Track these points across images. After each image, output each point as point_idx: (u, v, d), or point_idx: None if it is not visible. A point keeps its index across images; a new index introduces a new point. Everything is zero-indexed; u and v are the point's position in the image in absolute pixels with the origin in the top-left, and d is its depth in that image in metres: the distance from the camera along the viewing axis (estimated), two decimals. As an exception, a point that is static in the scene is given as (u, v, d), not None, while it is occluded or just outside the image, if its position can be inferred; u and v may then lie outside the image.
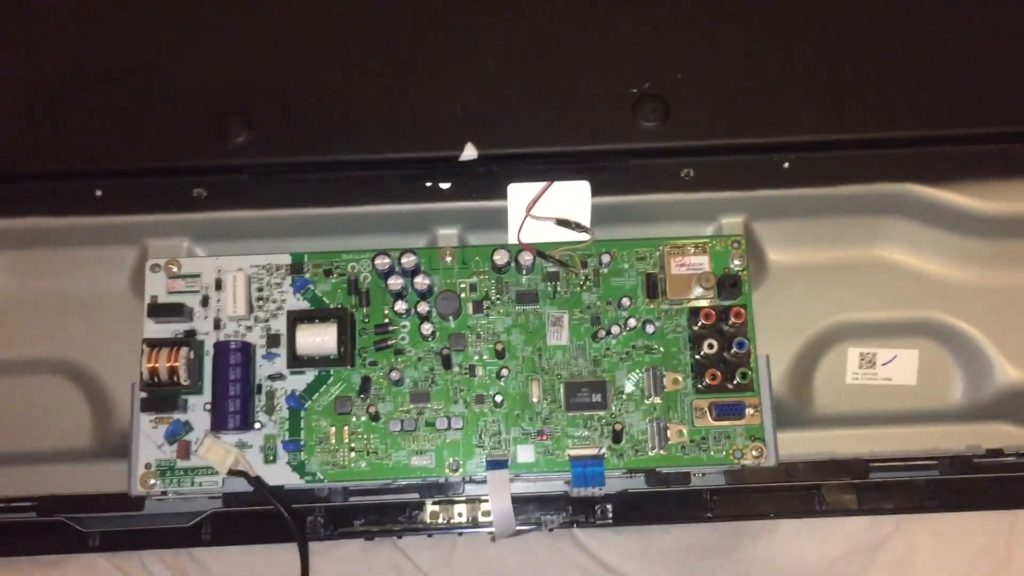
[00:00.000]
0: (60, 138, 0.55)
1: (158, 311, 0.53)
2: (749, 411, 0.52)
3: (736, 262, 0.54)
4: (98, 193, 0.54)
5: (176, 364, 0.51)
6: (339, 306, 0.53)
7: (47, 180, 0.54)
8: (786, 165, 0.55)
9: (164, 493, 0.51)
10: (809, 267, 0.56)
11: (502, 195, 0.54)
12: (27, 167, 0.54)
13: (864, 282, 0.56)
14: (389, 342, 0.53)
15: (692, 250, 0.54)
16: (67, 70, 0.55)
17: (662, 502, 0.55)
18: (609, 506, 0.55)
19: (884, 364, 0.56)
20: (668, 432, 0.52)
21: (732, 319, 0.53)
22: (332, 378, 0.52)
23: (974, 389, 0.56)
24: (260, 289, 0.53)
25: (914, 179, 0.55)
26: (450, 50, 0.56)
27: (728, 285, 0.53)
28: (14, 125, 0.55)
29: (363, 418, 0.52)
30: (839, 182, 0.55)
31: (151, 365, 0.51)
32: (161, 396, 0.52)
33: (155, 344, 0.52)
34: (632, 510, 0.56)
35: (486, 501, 0.54)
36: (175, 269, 0.53)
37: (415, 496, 0.54)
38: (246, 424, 0.51)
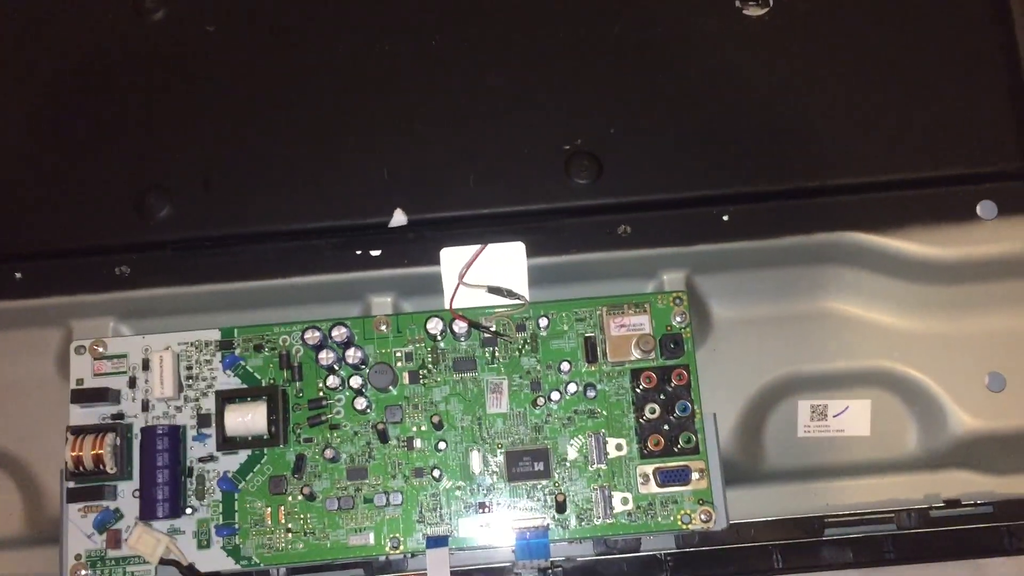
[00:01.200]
0: None
1: (83, 396, 0.51)
2: (695, 475, 0.50)
3: (678, 319, 0.52)
4: (17, 275, 0.53)
5: (101, 452, 0.49)
6: (271, 382, 0.51)
7: None
8: (725, 218, 0.53)
9: (95, 585, 0.50)
10: (754, 320, 0.55)
11: (435, 260, 0.52)
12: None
13: (811, 333, 0.54)
14: (323, 418, 0.51)
15: (631, 310, 0.52)
16: None
17: (615, 567, 0.53)
18: (561, 571, 0.54)
19: (836, 416, 0.54)
20: (613, 500, 0.50)
21: (674, 381, 0.51)
22: (265, 458, 0.51)
23: (929, 437, 0.54)
24: (189, 367, 0.52)
25: (855, 227, 0.53)
26: (375, 114, 0.54)
27: (670, 345, 0.51)
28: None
29: (299, 497, 0.50)
30: (780, 233, 0.53)
31: (75, 453, 0.49)
32: (88, 484, 0.50)
33: (79, 431, 0.50)
34: (586, 574, 0.54)
35: (431, 576, 0.53)
36: (101, 350, 0.52)
37: (359, 572, 0.53)
38: (176, 511, 0.49)
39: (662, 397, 0.51)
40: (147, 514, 0.49)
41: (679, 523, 0.50)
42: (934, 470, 0.54)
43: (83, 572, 0.50)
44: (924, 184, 0.53)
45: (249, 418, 0.50)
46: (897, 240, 0.53)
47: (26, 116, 0.54)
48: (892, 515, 0.53)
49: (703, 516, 0.50)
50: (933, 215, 0.53)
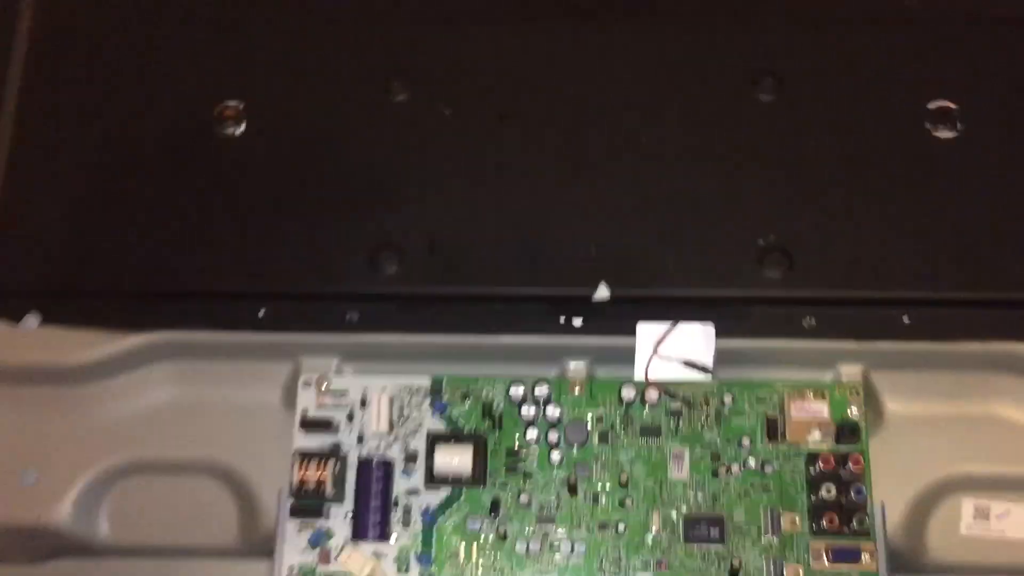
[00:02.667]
0: (232, 260, 0.60)
1: (309, 424, 0.57)
2: (865, 556, 0.54)
3: (854, 410, 0.56)
4: (261, 313, 0.59)
5: (323, 476, 0.55)
6: (474, 430, 0.57)
7: (216, 298, 0.60)
8: (905, 319, 0.57)
9: (303, 596, 0.56)
10: (925, 418, 0.58)
11: (631, 333, 0.57)
12: (200, 286, 0.60)
13: (979, 436, 0.57)
14: (518, 466, 0.56)
15: (812, 395, 0.56)
16: (243, 201, 0.61)
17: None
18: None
19: (998, 517, 0.57)
20: (785, 571, 0.54)
21: (850, 465, 0.55)
22: (464, 497, 0.56)
23: None
24: (401, 408, 0.58)
25: None
26: (587, 195, 0.60)
27: (847, 432, 0.55)
28: (189, 246, 0.61)
29: (491, 537, 0.55)
30: (957, 338, 0.57)
31: (301, 475, 0.55)
32: (307, 504, 0.56)
33: (306, 455, 0.56)
34: (747, 644, 0.57)
35: (604, 626, 0.57)
36: (325, 386, 0.58)
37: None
38: (384, 535, 0.55)
39: (837, 480, 0.55)
40: (358, 535, 0.55)
41: (846, 601, 0.54)
42: (1092, 579, 0.56)
43: (294, 583, 0.55)
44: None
45: (458, 459, 0.55)
46: (1069, 354, 0.56)
47: (282, 176, 0.62)
48: (1051, 618, 0.55)
49: (870, 596, 0.54)
50: (1102, 334, 0.56)
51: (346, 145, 0.62)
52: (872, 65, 0.62)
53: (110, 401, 0.61)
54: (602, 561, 0.55)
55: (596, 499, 0.56)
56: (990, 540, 0.57)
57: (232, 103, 0.64)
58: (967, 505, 0.57)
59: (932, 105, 0.61)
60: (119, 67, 0.65)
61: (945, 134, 0.60)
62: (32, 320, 0.60)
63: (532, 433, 0.57)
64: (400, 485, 0.56)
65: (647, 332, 0.58)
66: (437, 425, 0.57)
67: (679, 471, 0.56)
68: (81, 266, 0.61)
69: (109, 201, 0.62)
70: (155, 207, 0.62)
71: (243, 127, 0.63)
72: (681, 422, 0.57)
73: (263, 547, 0.58)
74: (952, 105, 0.60)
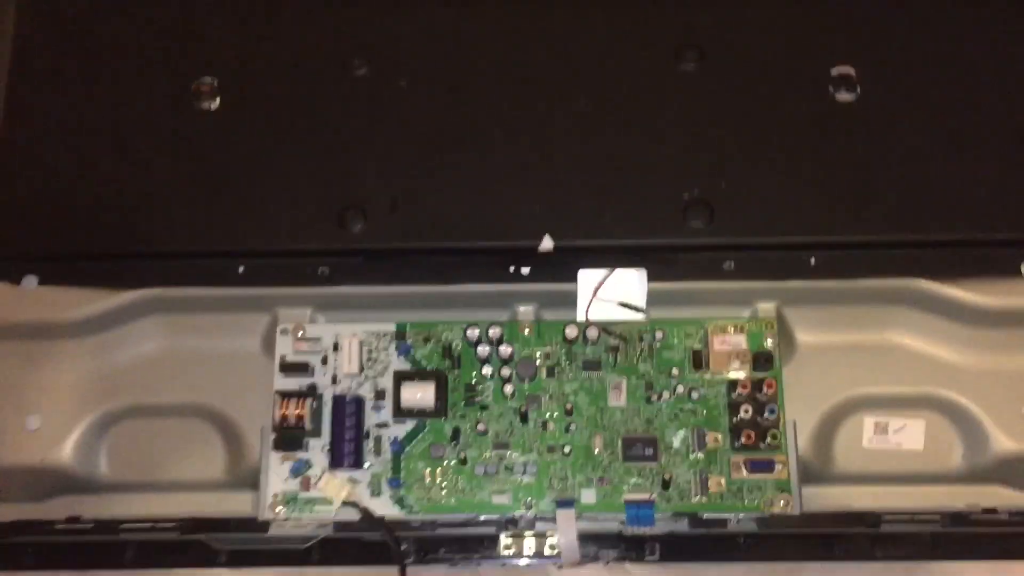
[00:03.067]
0: (212, 223, 0.66)
1: (288, 368, 0.63)
2: (778, 467, 0.61)
3: (769, 341, 0.63)
4: (240, 269, 0.65)
5: (302, 412, 0.62)
6: (436, 368, 0.64)
7: (199, 257, 0.65)
8: (812, 261, 0.64)
9: (287, 519, 0.62)
10: (831, 347, 0.65)
11: (573, 279, 0.64)
12: (184, 246, 0.65)
13: (878, 362, 0.65)
14: (476, 399, 0.63)
15: (732, 330, 0.64)
16: (221, 169, 0.67)
17: (703, 543, 0.64)
18: (657, 545, 0.64)
19: (895, 432, 0.65)
20: (709, 483, 0.61)
21: (765, 389, 0.62)
22: (428, 428, 0.63)
23: (973, 456, 0.64)
24: (370, 352, 0.64)
25: (921, 275, 0.64)
26: (531, 157, 0.67)
27: (762, 360, 0.63)
28: (173, 210, 0.66)
29: (453, 462, 0.62)
30: (857, 276, 0.64)
31: (282, 412, 0.62)
32: (288, 438, 0.62)
33: (285, 395, 0.62)
34: (677, 549, 0.64)
35: (552, 536, 0.64)
36: (301, 333, 0.64)
37: (492, 530, 0.64)
38: (358, 463, 0.61)
39: (754, 402, 0.62)
40: (335, 464, 0.61)
41: (762, 506, 0.61)
42: (976, 484, 0.64)
43: (279, 508, 0.61)
44: (979, 244, 0.64)
45: (421, 394, 0.62)
46: (954, 288, 0.63)
47: (256, 145, 0.67)
48: (938, 517, 0.62)
49: (782, 502, 0.61)
50: (984, 270, 0.64)
51: (313, 116, 0.68)
52: (782, 36, 0.69)
53: (105, 352, 0.66)
54: (551, 480, 0.62)
55: (545, 426, 0.63)
56: (888, 451, 0.65)
57: (207, 80, 0.68)
58: (868, 422, 0.65)
59: (834, 71, 0.67)
60: (105, 48, 0.70)
61: (845, 97, 0.67)
62: (31, 281, 0.65)
63: (487, 370, 0.63)
64: (371, 419, 0.62)
65: (587, 278, 0.64)
66: (402, 365, 0.63)
67: (617, 399, 0.63)
68: (74, 231, 0.66)
69: (99, 171, 0.67)
70: (141, 176, 0.67)
71: (218, 101, 0.68)
72: (618, 356, 0.63)
73: (249, 479, 0.64)
74: (852, 71, 0.67)
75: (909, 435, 0.65)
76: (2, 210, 0.67)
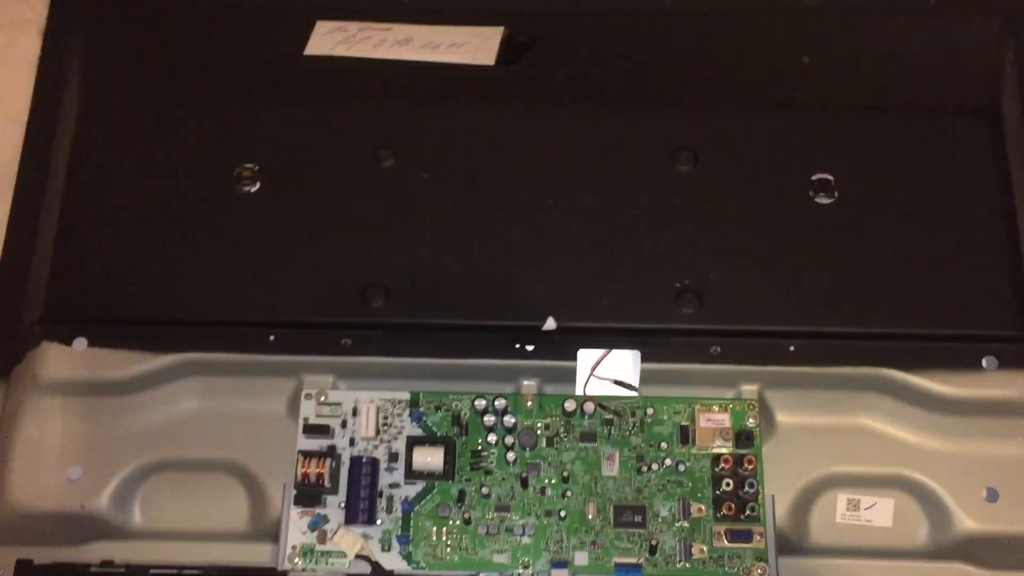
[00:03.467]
0: (247, 295, 0.72)
1: (310, 430, 0.69)
2: (756, 537, 0.67)
3: (751, 420, 0.69)
4: (271, 338, 0.71)
5: (322, 471, 0.67)
6: (445, 435, 0.69)
7: (234, 326, 0.71)
8: (792, 348, 0.70)
9: (304, 570, 0.67)
10: (808, 428, 0.70)
11: (573, 357, 0.70)
12: (220, 315, 0.72)
13: (851, 443, 0.70)
14: (481, 464, 0.69)
15: (717, 409, 0.70)
16: (257, 247, 0.73)
17: (686, 606, 0.69)
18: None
19: (866, 509, 0.69)
20: (692, 549, 0.67)
21: (746, 465, 0.68)
22: (437, 489, 0.68)
23: (938, 534, 0.68)
24: (386, 418, 0.69)
25: (892, 365, 0.69)
26: (539, 245, 0.73)
27: (744, 438, 0.68)
28: (212, 282, 0.73)
29: (458, 522, 0.67)
30: (833, 364, 0.69)
31: (304, 470, 0.67)
32: (308, 494, 0.67)
33: (307, 455, 0.68)
34: (662, 612, 0.69)
35: (548, 596, 0.69)
36: (323, 398, 0.70)
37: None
38: (371, 520, 0.67)
39: (735, 476, 0.68)
40: (350, 520, 0.66)
41: (741, 573, 0.66)
42: (940, 560, 0.68)
43: (297, 560, 0.67)
44: (945, 339, 0.70)
45: (431, 458, 0.68)
46: (921, 379, 0.69)
47: (290, 225, 0.74)
48: (905, 592, 0.68)
49: (759, 570, 0.66)
50: (949, 363, 0.69)
51: (342, 201, 0.75)
52: (768, 144, 0.76)
53: (144, 410, 0.71)
54: (548, 542, 0.67)
55: (543, 491, 0.68)
56: (859, 527, 0.69)
57: (249, 166, 0.76)
58: (841, 498, 0.70)
59: (814, 177, 0.74)
60: (156, 135, 0.77)
61: (824, 200, 0.74)
62: (81, 343, 0.71)
63: (492, 438, 0.68)
64: (384, 479, 0.68)
65: (586, 357, 0.70)
66: (415, 431, 0.69)
67: (611, 469, 0.68)
68: (122, 298, 0.72)
69: (146, 246, 0.74)
70: (184, 251, 0.73)
71: (258, 186, 0.75)
72: (613, 429, 0.69)
73: (270, 531, 0.69)
74: (830, 177, 0.74)
75: (879, 512, 0.70)
76: (59, 279, 0.73)
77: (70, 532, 0.69)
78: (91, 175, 0.77)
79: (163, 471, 0.71)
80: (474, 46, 0.80)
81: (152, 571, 0.67)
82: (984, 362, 0.70)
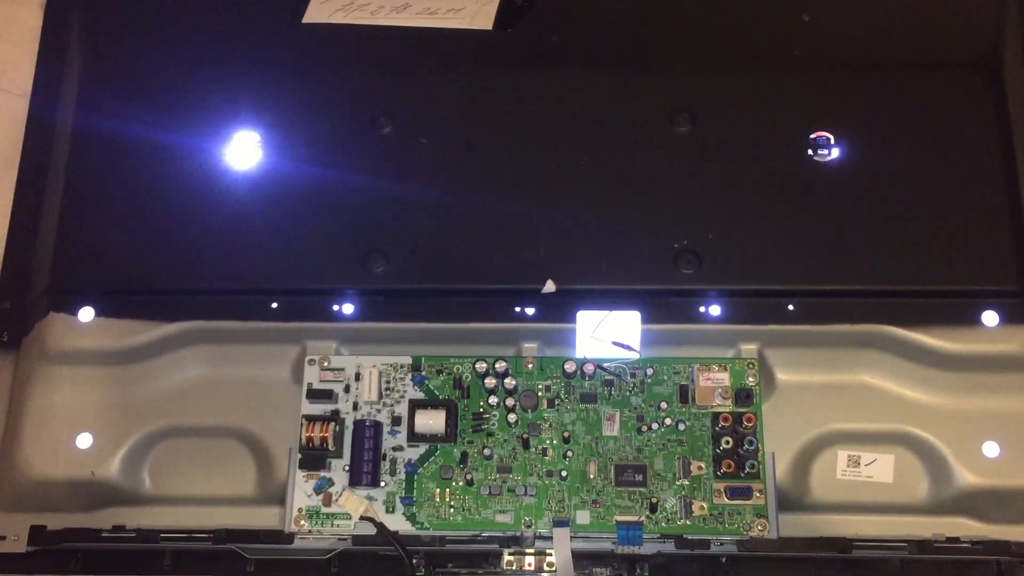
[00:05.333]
0: (250, 263, 0.73)
1: (314, 395, 0.70)
2: (756, 494, 0.67)
3: (750, 379, 0.70)
4: (274, 305, 0.72)
5: (326, 435, 0.68)
6: (447, 398, 0.70)
7: (237, 294, 0.72)
8: (790, 307, 0.71)
9: (310, 532, 0.68)
10: (808, 386, 0.71)
11: (572, 320, 0.71)
12: (224, 284, 0.73)
13: (851, 400, 0.70)
14: (483, 426, 0.70)
15: (716, 368, 0.70)
16: (259, 217, 0.74)
17: (688, 564, 0.70)
18: (647, 564, 0.70)
19: (867, 465, 0.70)
20: (692, 507, 0.67)
21: (745, 423, 0.68)
22: (439, 451, 0.69)
23: (938, 489, 0.69)
24: (388, 382, 0.70)
25: (891, 322, 0.70)
26: (538, 209, 0.74)
27: (743, 396, 0.69)
28: (216, 252, 0.74)
29: (461, 483, 0.68)
30: (832, 322, 0.70)
31: (308, 434, 0.68)
32: (313, 458, 0.69)
33: (311, 419, 0.69)
34: (664, 569, 0.70)
35: (550, 555, 0.69)
36: (326, 364, 0.71)
37: (495, 547, 0.70)
38: (375, 482, 0.68)
39: (735, 434, 0.68)
40: (354, 482, 0.68)
41: (741, 530, 0.67)
42: (940, 515, 0.69)
43: (303, 522, 0.68)
44: (944, 295, 0.70)
45: (433, 421, 0.69)
46: (921, 335, 0.69)
47: (291, 195, 0.75)
48: (904, 545, 0.67)
49: (760, 527, 0.67)
50: (949, 319, 0.69)
51: (342, 169, 0.75)
52: (766, 103, 0.76)
53: (151, 378, 0.72)
54: (550, 502, 0.68)
55: (545, 452, 0.69)
56: (860, 483, 0.70)
57: (250, 135, 0.77)
58: (841, 455, 0.70)
59: (813, 135, 0.74)
60: (158, 107, 0.78)
61: (822, 158, 0.74)
62: (88, 313, 0.72)
63: (493, 400, 0.69)
64: (387, 442, 0.69)
65: (586, 319, 0.71)
66: (417, 394, 0.70)
67: (611, 429, 0.69)
68: (127, 269, 0.73)
69: (150, 217, 0.75)
70: (187, 221, 0.74)
71: (259, 156, 0.76)
72: (612, 390, 0.70)
73: (276, 495, 0.70)
74: (829, 135, 0.74)
75: (880, 468, 0.70)
76: (65, 251, 0.74)
77: (81, 499, 0.71)
78: (94, 147, 0.78)
79: (171, 437, 0.72)
80: (471, 11, 0.80)
81: (162, 535, 0.69)
82: (984, 318, 0.70)
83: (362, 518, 0.68)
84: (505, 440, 0.69)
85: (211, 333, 0.72)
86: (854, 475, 0.70)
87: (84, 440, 0.71)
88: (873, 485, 0.70)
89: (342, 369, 0.71)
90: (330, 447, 0.68)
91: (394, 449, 0.69)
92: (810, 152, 0.74)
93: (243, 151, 0.76)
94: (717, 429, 0.68)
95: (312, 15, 0.81)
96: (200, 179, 0.76)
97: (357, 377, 0.71)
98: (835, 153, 0.74)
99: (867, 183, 0.73)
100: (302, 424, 0.69)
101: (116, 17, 0.83)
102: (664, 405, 0.69)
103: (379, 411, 0.70)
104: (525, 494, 0.68)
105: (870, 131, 0.75)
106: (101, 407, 0.72)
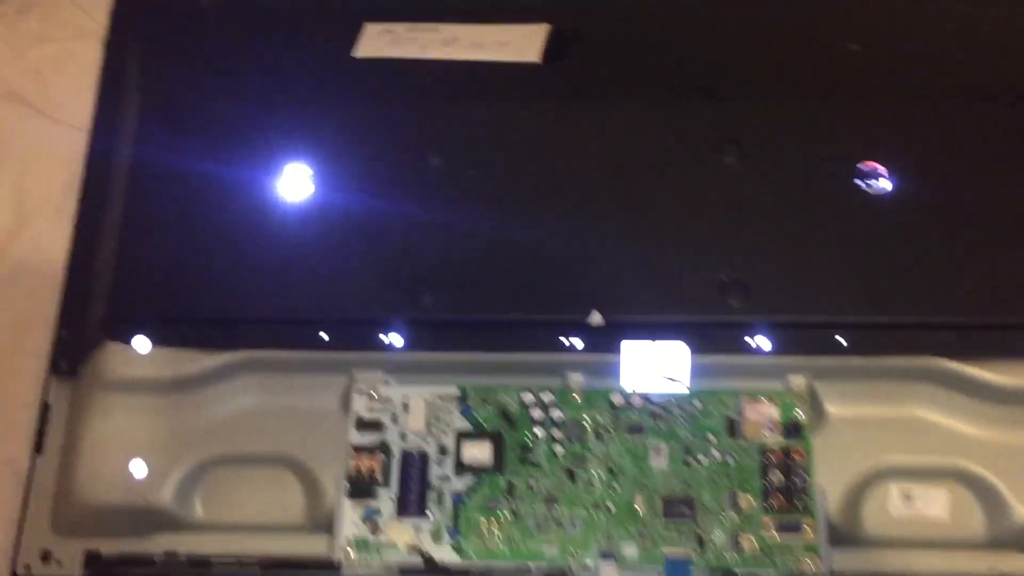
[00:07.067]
0: (300, 293, 0.74)
1: (362, 425, 0.71)
2: (806, 529, 0.66)
3: (799, 412, 0.69)
4: (323, 335, 0.73)
5: (374, 465, 0.69)
6: (493, 429, 0.70)
7: (288, 324, 0.73)
8: (841, 339, 0.69)
9: (357, 561, 0.68)
10: (859, 419, 0.70)
11: (618, 351, 0.70)
12: (275, 314, 0.74)
13: (904, 434, 0.69)
14: (529, 458, 0.70)
15: (765, 401, 0.70)
16: (311, 248, 0.75)
17: (737, 598, 0.69)
18: (698, 601, 0.69)
19: (920, 500, 0.69)
20: (741, 541, 0.67)
21: (795, 456, 0.68)
22: (486, 482, 0.69)
23: (994, 524, 0.67)
24: (435, 412, 0.71)
25: (945, 355, 0.68)
26: (585, 240, 0.73)
27: (792, 429, 0.68)
28: (268, 282, 0.74)
29: (507, 514, 0.69)
30: (884, 354, 0.69)
31: (356, 464, 0.69)
32: (361, 488, 0.69)
33: (359, 449, 0.70)
34: (712, 605, 0.69)
35: (597, 587, 0.69)
36: (374, 394, 0.72)
37: (542, 579, 0.70)
38: (422, 512, 0.68)
39: (784, 468, 0.68)
40: (402, 512, 0.68)
41: (791, 565, 0.66)
42: (996, 551, 0.67)
43: (350, 551, 0.68)
44: (999, 328, 0.69)
45: (478, 453, 0.69)
46: (975, 369, 0.68)
47: (342, 226, 0.75)
48: (960, 581, 0.67)
49: (811, 563, 0.66)
50: (1004, 352, 0.68)
51: (391, 201, 0.76)
52: (815, 132, 0.75)
53: (204, 406, 0.73)
54: (596, 534, 0.68)
55: (591, 484, 0.69)
56: (912, 518, 0.69)
57: (302, 168, 0.78)
58: (894, 490, 0.69)
59: (863, 165, 0.73)
60: (213, 139, 0.79)
61: (873, 189, 0.73)
62: (143, 342, 0.74)
63: (540, 431, 0.70)
64: (434, 473, 0.69)
65: (632, 350, 0.71)
66: (464, 425, 0.70)
67: (658, 462, 0.69)
68: (182, 299, 0.74)
69: (204, 248, 0.76)
70: (240, 252, 0.75)
71: (311, 187, 0.77)
72: (660, 422, 0.70)
73: (324, 523, 0.70)
74: (879, 165, 0.73)
75: (933, 503, 0.69)
76: (122, 281, 0.76)
77: (135, 525, 0.72)
78: (152, 179, 0.79)
79: (222, 465, 0.73)
80: (519, 44, 0.81)
81: (213, 561, 0.70)
82: (1040, 350, 0.68)
83: (410, 548, 0.68)
84: (551, 472, 0.69)
85: (262, 362, 0.73)
86: (907, 510, 0.69)
87: (138, 467, 0.72)
88: (927, 521, 0.69)
89: (390, 400, 0.71)
90: (378, 477, 0.69)
91: (441, 479, 0.69)
92: (859, 182, 0.73)
93: (295, 183, 0.78)
94: (766, 463, 0.68)
95: (363, 49, 0.82)
96: (253, 211, 0.77)
97: (405, 408, 0.71)
98: (886, 183, 0.73)
99: (919, 213, 0.72)
100: (350, 454, 0.69)
101: (174, 52, 0.85)
102: (712, 438, 0.69)
103: (426, 442, 0.70)
104: (572, 527, 0.68)
105: (922, 161, 0.74)
106: (155, 434, 0.73)
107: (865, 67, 0.78)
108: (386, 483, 0.69)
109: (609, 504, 0.68)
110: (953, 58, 0.78)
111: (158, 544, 0.71)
